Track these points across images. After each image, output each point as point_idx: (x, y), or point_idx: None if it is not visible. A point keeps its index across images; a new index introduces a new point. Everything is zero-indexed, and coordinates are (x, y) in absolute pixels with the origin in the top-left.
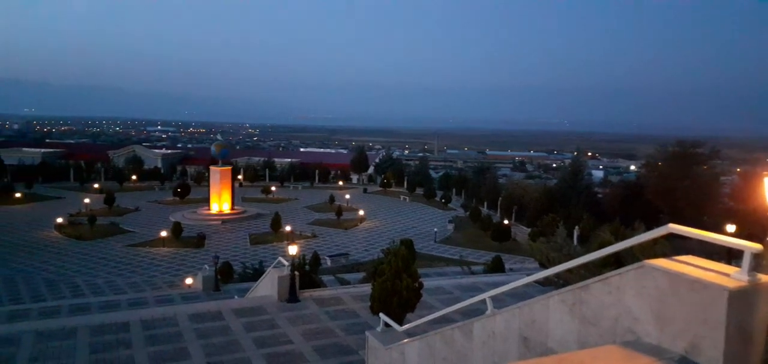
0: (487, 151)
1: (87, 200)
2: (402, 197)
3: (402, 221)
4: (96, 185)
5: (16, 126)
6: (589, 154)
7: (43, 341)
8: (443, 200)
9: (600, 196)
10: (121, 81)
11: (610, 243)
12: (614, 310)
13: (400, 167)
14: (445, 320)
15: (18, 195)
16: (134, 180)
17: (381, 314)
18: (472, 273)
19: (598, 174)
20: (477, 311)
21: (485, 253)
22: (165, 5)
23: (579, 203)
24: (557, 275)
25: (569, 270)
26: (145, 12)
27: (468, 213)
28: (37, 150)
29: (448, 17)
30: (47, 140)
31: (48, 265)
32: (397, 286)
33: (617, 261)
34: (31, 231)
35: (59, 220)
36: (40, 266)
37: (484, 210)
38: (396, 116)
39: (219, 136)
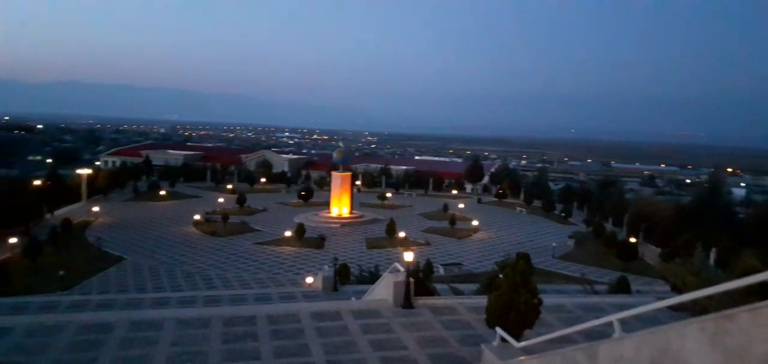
0: (613, 164)
1: (221, 200)
2: (518, 208)
3: (518, 234)
4: (229, 186)
5: (162, 130)
6: (730, 170)
7: (182, 327)
8: (563, 214)
9: (741, 216)
10: (254, 90)
11: (757, 270)
12: (765, 346)
13: (516, 178)
14: (566, 341)
15: (163, 193)
16: (263, 182)
17: (497, 329)
18: (595, 293)
19: (739, 192)
20: (601, 333)
21: (609, 272)
22: (293, 25)
23: (716, 222)
24: (693, 302)
25: (708, 297)
26: (275, 26)
27: (590, 229)
28: (180, 153)
29: (569, 23)
30: (188, 144)
31: (186, 258)
32: (514, 300)
33: (762, 291)
34: (172, 226)
35: (197, 217)
36: (180, 258)
37: (609, 226)
38: (513, 125)
39: (340, 143)
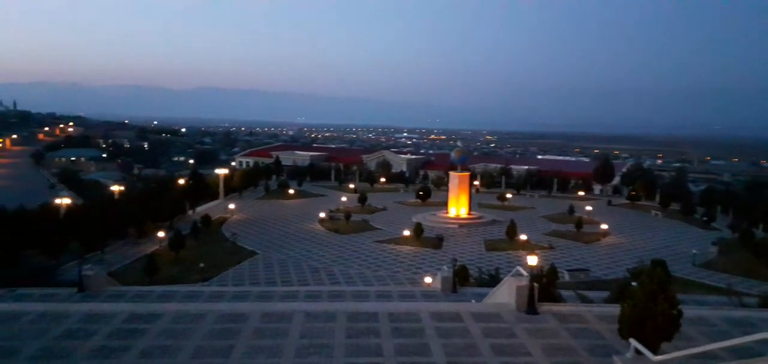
0: (765, 164)
1: (344, 199)
2: (653, 212)
3: (652, 239)
4: (351, 185)
5: (291, 133)
6: None
7: (309, 321)
8: (705, 219)
9: None
10: (376, 93)
11: None
12: None
13: (651, 179)
14: (711, 357)
15: (291, 191)
16: (383, 182)
17: (631, 340)
18: (743, 306)
19: None
20: (752, 352)
21: (759, 284)
22: (408, 30)
23: None
24: None
25: None
26: (394, 32)
27: (737, 235)
28: (307, 153)
29: (709, 9)
30: (314, 145)
31: (312, 254)
32: (651, 310)
33: None
34: (300, 223)
35: (321, 215)
36: (306, 254)
37: (759, 233)
38: (646, 122)
39: (458, 143)
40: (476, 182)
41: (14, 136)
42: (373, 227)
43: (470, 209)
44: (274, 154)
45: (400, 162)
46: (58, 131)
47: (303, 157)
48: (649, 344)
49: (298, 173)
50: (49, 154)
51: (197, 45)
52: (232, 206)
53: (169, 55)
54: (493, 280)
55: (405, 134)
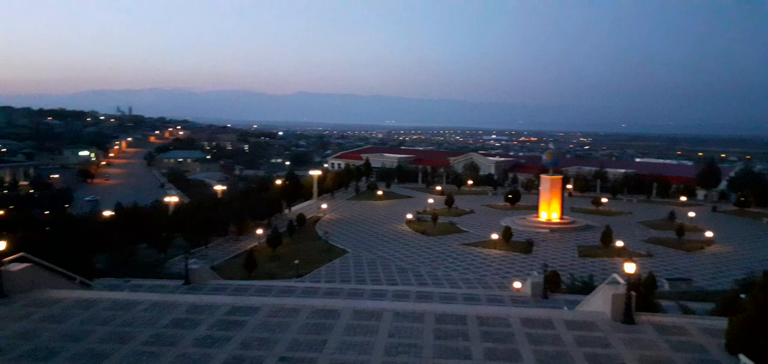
0: None
1: (431, 201)
2: (765, 219)
3: (763, 249)
4: (438, 188)
5: (380, 135)
6: None
7: (398, 320)
8: None
9: None
10: (463, 94)
11: None
12: None
13: (764, 183)
14: None
15: (380, 193)
16: (470, 184)
17: (741, 356)
18: None
19: None
20: None
21: None
22: (493, 31)
23: None
24: None
25: None
26: (487, 28)
27: None
28: (395, 156)
29: None
30: (402, 147)
31: (399, 254)
32: (763, 325)
33: None
34: (388, 223)
35: (409, 216)
36: (394, 254)
37: None
38: (758, 123)
39: (551, 145)
40: (569, 186)
41: (129, 138)
42: (461, 229)
43: (562, 213)
44: (364, 156)
45: (488, 165)
46: (167, 134)
47: (391, 159)
48: (761, 362)
49: (387, 175)
50: (160, 156)
51: (296, 52)
52: (324, 206)
53: (270, 62)
54: (587, 287)
55: (494, 136)
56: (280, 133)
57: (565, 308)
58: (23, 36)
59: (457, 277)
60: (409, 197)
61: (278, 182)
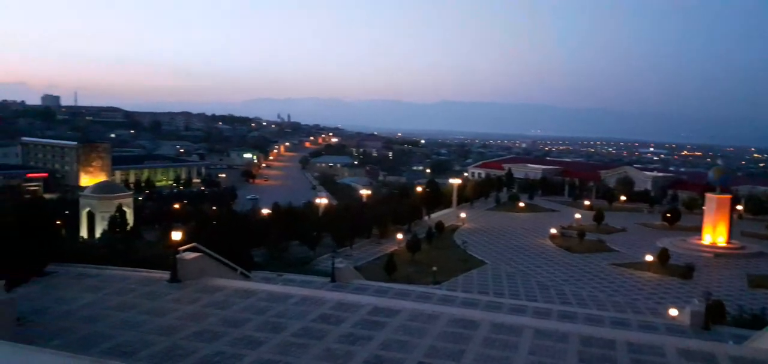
0: None
1: (578, 216)
2: None
3: None
4: (586, 202)
5: (523, 145)
6: None
7: (539, 337)
8: None
9: None
10: (616, 103)
11: None
12: None
13: None
14: None
15: (521, 204)
16: (623, 200)
17: None
18: None
19: None
20: None
21: None
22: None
23: None
24: None
25: None
26: (645, 28)
27: None
28: (539, 167)
29: None
30: (547, 158)
31: (541, 269)
32: None
33: None
34: (529, 237)
35: (553, 231)
36: (535, 269)
37: None
38: None
39: (719, 161)
40: (739, 207)
41: (287, 143)
42: (610, 248)
43: (730, 236)
44: (506, 166)
45: (644, 180)
46: (320, 140)
47: (535, 170)
48: None
49: (530, 187)
50: (313, 160)
51: (439, 60)
52: (463, 215)
53: (414, 71)
54: (757, 321)
55: (651, 149)
56: (422, 141)
57: (731, 342)
58: (200, 46)
59: (604, 299)
60: (554, 210)
61: (419, 189)
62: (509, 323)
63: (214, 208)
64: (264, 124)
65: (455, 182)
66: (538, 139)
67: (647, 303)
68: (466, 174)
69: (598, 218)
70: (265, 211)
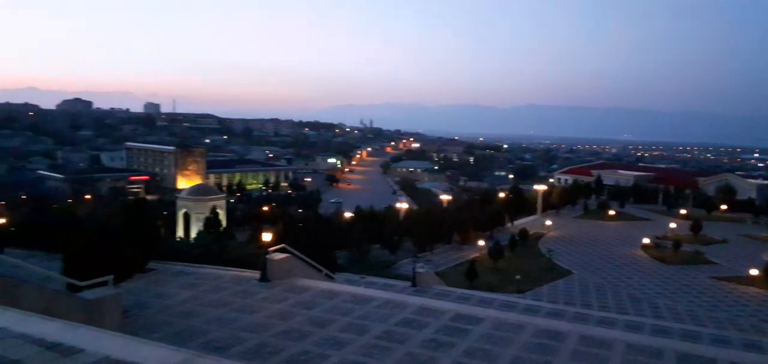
0: None
1: (673, 225)
2: None
3: None
4: (682, 211)
5: (613, 150)
6: None
7: (632, 353)
8: None
9: None
10: (718, 106)
11: None
12: None
13: None
14: None
15: (611, 212)
16: (723, 210)
17: None
18: None
19: None
20: None
21: None
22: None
23: None
24: None
25: None
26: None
27: None
28: (630, 173)
29: None
30: (640, 164)
31: (632, 281)
32: None
33: None
34: (619, 247)
35: (645, 241)
36: (626, 280)
37: None
38: None
39: None
40: None
41: (369, 148)
42: (709, 260)
43: None
44: (595, 172)
45: (748, 188)
46: (401, 145)
47: (626, 176)
48: None
49: (620, 194)
50: (394, 165)
51: (524, 63)
52: (548, 223)
53: (498, 75)
54: None
55: (756, 155)
56: (505, 145)
57: None
58: (288, 55)
59: (702, 315)
60: (646, 219)
61: (501, 194)
62: (599, 336)
63: (300, 210)
64: (347, 129)
65: (540, 187)
66: (630, 143)
67: (751, 320)
68: (551, 180)
69: (696, 227)
70: (348, 214)
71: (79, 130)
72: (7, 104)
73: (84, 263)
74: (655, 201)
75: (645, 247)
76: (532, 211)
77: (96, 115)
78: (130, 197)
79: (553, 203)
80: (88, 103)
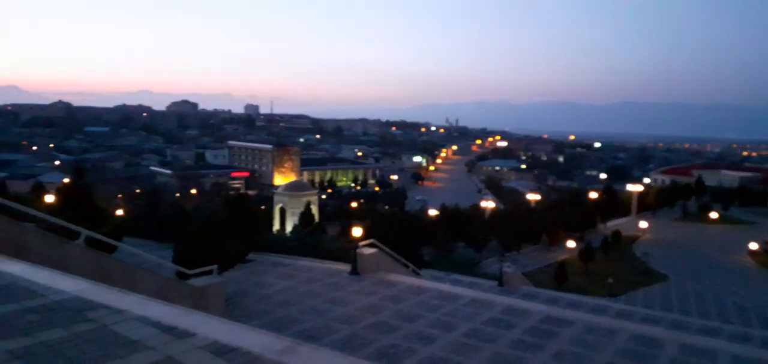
0: None
1: None
2: None
3: None
4: None
5: (716, 150)
6: None
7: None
8: None
9: None
10: None
11: None
12: None
13: None
14: None
15: (713, 216)
16: None
17: None
18: None
19: None
20: None
21: None
22: None
23: None
24: None
25: None
26: None
27: None
28: (735, 173)
29: None
30: (745, 165)
31: (737, 289)
32: None
33: None
34: (723, 253)
35: (753, 246)
36: (730, 288)
37: None
38: None
39: None
40: None
41: (454, 147)
42: None
43: None
44: (695, 172)
45: None
46: (487, 144)
47: (730, 177)
48: None
49: (724, 196)
50: (479, 163)
51: (618, 57)
52: (644, 225)
53: (589, 70)
54: None
55: None
56: (597, 144)
57: None
58: (376, 56)
59: None
60: (753, 223)
61: (593, 195)
62: (700, 345)
63: (387, 207)
64: (433, 128)
65: (635, 188)
66: (734, 142)
67: None
68: (647, 180)
69: None
70: (433, 212)
71: (186, 129)
72: (124, 106)
73: (192, 253)
74: (763, 204)
75: (753, 253)
76: (625, 212)
77: (201, 115)
78: (232, 192)
79: (649, 205)
80: (194, 105)
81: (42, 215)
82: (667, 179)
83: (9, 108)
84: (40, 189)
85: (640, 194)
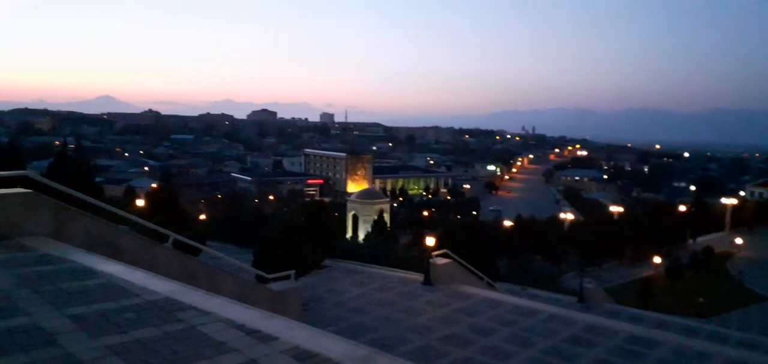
0: None
1: None
2: None
3: None
4: None
5: None
6: None
7: None
8: None
9: None
10: None
11: None
12: None
13: None
14: None
15: None
16: None
17: None
18: None
19: None
20: None
21: None
22: None
23: None
24: None
25: None
26: None
27: None
28: None
29: None
30: None
31: None
32: None
33: None
34: None
35: None
36: None
37: None
38: None
39: None
40: None
41: (531, 156)
42: None
43: None
44: None
45: None
46: (566, 153)
47: None
48: None
49: None
50: (557, 173)
51: (708, 65)
52: (739, 241)
53: (677, 77)
54: None
55: None
56: (686, 154)
57: None
58: (450, 62)
59: None
60: None
61: (681, 208)
62: None
63: (459, 217)
64: (508, 136)
65: (729, 201)
66: None
67: None
68: (743, 193)
69: None
70: (508, 223)
71: (264, 137)
72: (208, 115)
73: (270, 257)
74: None
75: None
76: (718, 227)
77: (279, 124)
78: (307, 199)
79: (744, 219)
80: (273, 113)
81: (134, 217)
82: (765, 192)
83: (105, 117)
84: (132, 193)
85: (735, 207)
